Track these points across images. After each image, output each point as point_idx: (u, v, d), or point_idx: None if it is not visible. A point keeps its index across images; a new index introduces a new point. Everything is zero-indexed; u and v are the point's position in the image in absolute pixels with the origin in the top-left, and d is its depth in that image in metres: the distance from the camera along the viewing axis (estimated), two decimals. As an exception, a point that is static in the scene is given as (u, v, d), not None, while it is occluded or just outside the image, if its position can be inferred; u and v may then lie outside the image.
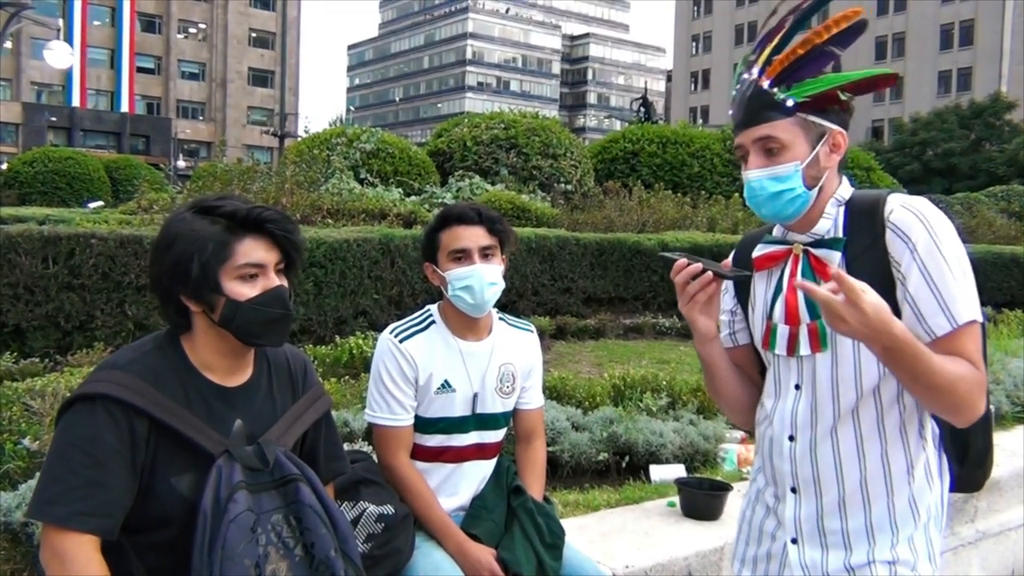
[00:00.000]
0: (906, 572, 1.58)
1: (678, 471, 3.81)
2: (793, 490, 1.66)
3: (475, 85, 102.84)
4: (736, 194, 15.28)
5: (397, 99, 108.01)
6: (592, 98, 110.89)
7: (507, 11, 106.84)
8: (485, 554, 2.17)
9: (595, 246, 9.46)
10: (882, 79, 1.57)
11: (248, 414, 1.69)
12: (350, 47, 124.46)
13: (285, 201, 9.34)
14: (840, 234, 1.60)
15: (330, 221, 9.27)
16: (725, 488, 3.29)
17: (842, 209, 1.62)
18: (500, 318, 2.44)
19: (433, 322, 2.34)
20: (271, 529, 1.59)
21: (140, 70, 59.64)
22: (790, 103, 1.54)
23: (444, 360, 2.29)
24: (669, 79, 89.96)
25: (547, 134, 15.93)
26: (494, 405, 2.35)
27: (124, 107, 57.80)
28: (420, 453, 2.31)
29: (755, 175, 1.58)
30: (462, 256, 2.25)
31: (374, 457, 2.35)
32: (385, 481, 2.22)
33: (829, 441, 1.61)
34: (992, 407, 1.75)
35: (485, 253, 2.27)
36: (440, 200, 12.38)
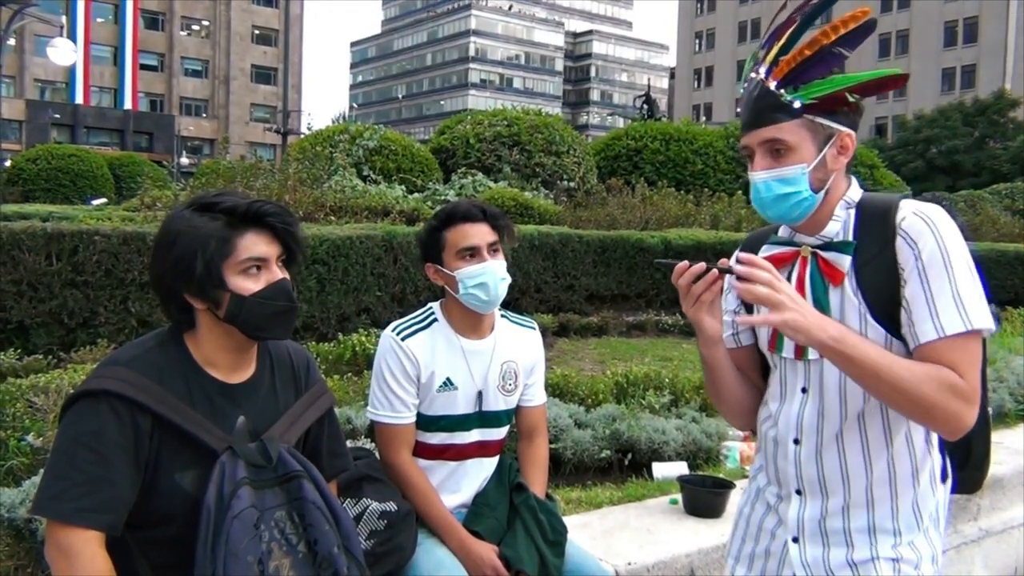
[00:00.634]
0: (910, 570, 1.57)
1: (681, 468, 3.81)
2: (798, 492, 1.65)
3: (478, 82, 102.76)
4: (739, 191, 15.30)
5: (400, 96, 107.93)
6: (595, 95, 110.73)
7: (510, 8, 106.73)
8: (487, 551, 2.17)
9: (598, 243, 9.46)
10: (891, 80, 1.54)
11: (251, 411, 1.69)
12: (353, 44, 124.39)
13: (288, 198, 9.36)
14: (850, 237, 1.57)
15: (333, 218, 9.28)
16: (728, 486, 3.29)
17: (852, 212, 1.59)
18: (502, 315, 2.44)
19: (435, 320, 2.34)
20: (274, 525, 1.59)
21: (143, 67, 59.71)
22: (797, 105, 1.52)
23: (446, 358, 2.29)
24: (672, 76, 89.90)
25: (550, 131, 15.93)
26: (496, 403, 2.35)
27: (127, 104, 57.87)
28: (422, 451, 2.32)
29: (761, 177, 1.56)
30: (472, 254, 2.25)
31: (377, 454, 2.35)
32: (388, 478, 2.23)
33: (835, 446, 1.59)
34: (990, 408, 1.73)
35: (492, 249, 2.28)
36: (443, 197, 12.39)
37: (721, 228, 12.31)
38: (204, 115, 62.95)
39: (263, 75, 64.36)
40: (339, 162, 12.48)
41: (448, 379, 2.28)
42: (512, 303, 8.03)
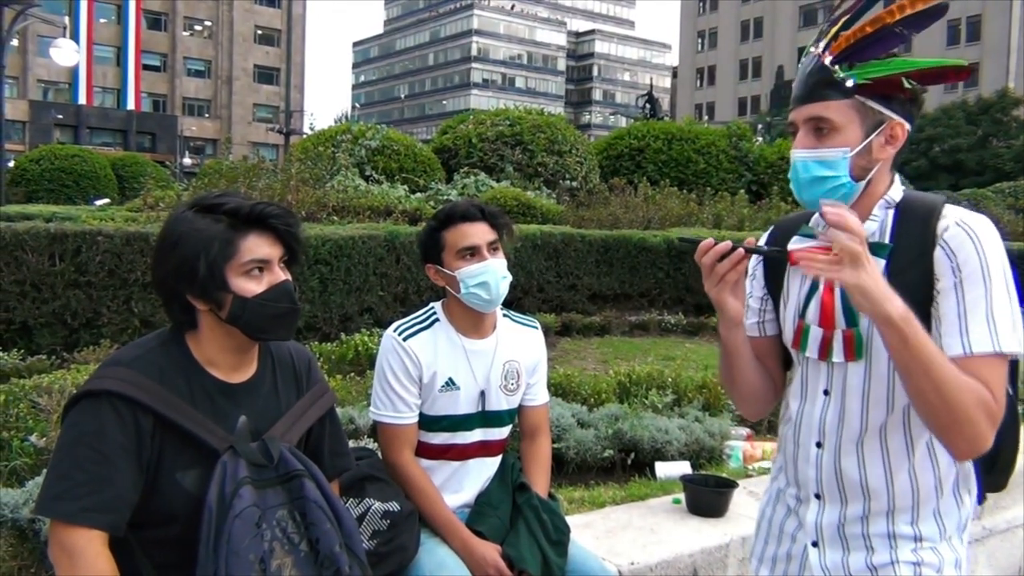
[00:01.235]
0: (931, 573, 1.52)
1: (683, 468, 3.81)
2: (817, 496, 1.61)
3: (480, 82, 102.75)
4: (741, 191, 15.27)
5: (402, 96, 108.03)
6: (597, 95, 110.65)
7: (512, 8, 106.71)
8: (490, 551, 2.17)
9: (600, 243, 9.46)
10: (953, 71, 1.45)
11: (252, 410, 1.69)
12: (355, 44, 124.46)
13: (291, 198, 9.37)
14: (887, 239, 1.50)
15: (335, 218, 9.28)
16: (730, 485, 3.29)
17: (891, 212, 1.51)
18: (505, 315, 2.44)
19: (437, 320, 2.34)
20: (276, 525, 1.59)
21: (146, 67, 59.80)
22: (849, 83, 1.44)
23: (448, 358, 2.29)
24: (675, 75, 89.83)
25: (552, 131, 15.92)
26: (499, 402, 2.35)
27: (130, 105, 57.97)
28: (425, 450, 2.32)
29: (800, 155, 1.49)
30: (472, 253, 2.25)
31: (379, 454, 2.35)
32: (390, 478, 2.23)
33: (855, 453, 1.54)
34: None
35: (492, 248, 2.28)
36: (445, 197, 12.39)
37: (724, 227, 12.29)
38: (207, 115, 63.02)
39: (266, 75, 64.42)
40: (341, 162, 12.48)
41: (450, 379, 2.28)
42: (514, 303, 8.03)
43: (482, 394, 2.32)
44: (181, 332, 1.70)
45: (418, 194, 12.72)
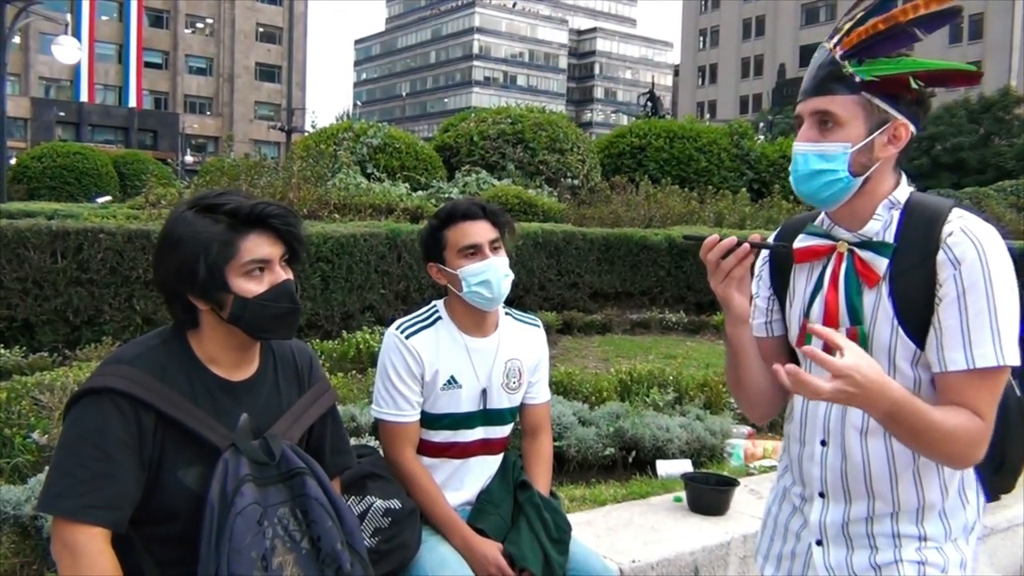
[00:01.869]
0: (936, 573, 1.52)
1: (684, 466, 3.81)
2: (821, 495, 1.61)
3: (482, 80, 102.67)
4: (743, 189, 15.26)
5: (404, 94, 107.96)
6: (599, 93, 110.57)
7: (514, 6, 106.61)
8: (491, 548, 2.18)
9: (602, 241, 9.45)
10: (962, 75, 1.45)
11: (254, 408, 1.69)
12: (357, 42, 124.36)
13: (292, 196, 9.36)
14: (891, 239, 1.49)
15: (337, 216, 9.28)
16: (732, 483, 3.29)
17: (897, 213, 1.51)
18: (506, 313, 2.44)
19: (439, 318, 2.34)
20: (277, 522, 1.60)
21: (148, 65, 59.79)
22: (857, 79, 1.44)
23: (450, 356, 2.29)
24: (676, 74, 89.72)
25: (554, 129, 15.92)
26: (500, 400, 2.35)
27: (132, 102, 57.98)
28: (426, 448, 2.32)
29: (801, 148, 1.49)
30: (474, 251, 2.24)
31: (381, 452, 2.35)
32: (392, 476, 2.23)
33: (860, 453, 1.55)
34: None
35: (494, 246, 2.27)
36: (447, 195, 12.39)
37: (725, 225, 12.29)
38: (208, 113, 63.03)
39: (267, 73, 64.41)
40: (343, 160, 12.48)
41: (452, 377, 2.28)
42: (516, 301, 8.03)
43: (484, 392, 2.32)
44: (183, 330, 1.70)
45: (419, 192, 12.72)
